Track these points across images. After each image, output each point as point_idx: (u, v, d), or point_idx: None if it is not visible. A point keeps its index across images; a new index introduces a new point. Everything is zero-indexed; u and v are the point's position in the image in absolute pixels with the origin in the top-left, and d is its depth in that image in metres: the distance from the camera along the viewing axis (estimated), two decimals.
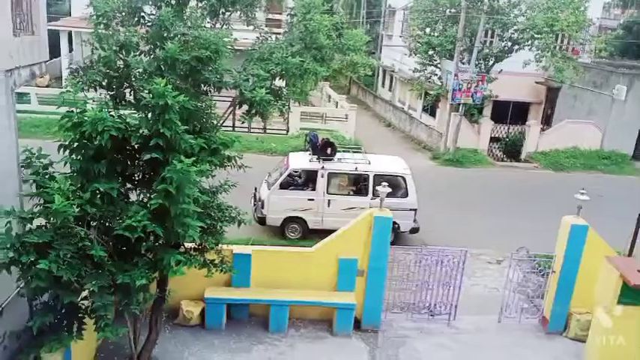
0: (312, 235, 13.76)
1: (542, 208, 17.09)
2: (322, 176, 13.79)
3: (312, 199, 13.89)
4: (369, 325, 10.28)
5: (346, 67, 26.47)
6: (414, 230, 14.18)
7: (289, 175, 13.95)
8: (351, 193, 14.12)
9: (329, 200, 13.87)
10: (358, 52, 22.72)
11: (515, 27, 23.59)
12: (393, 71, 34.48)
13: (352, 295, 10.09)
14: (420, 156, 24.23)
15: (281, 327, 9.98)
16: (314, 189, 13.90)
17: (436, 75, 25.57)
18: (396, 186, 13.84)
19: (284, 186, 13.84)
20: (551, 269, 10.70)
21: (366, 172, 13.86)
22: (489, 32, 25.42)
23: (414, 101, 30.80)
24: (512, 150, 24.74)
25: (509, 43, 24.23)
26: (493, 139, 25.06)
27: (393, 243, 13.73)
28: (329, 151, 13.91)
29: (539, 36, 22.72)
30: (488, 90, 24.48)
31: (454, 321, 10.74)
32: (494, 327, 10.76)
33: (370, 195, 13.71)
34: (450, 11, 24.48)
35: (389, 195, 13.88)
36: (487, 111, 27.13)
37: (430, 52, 25.03)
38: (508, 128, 25.60)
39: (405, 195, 13.87)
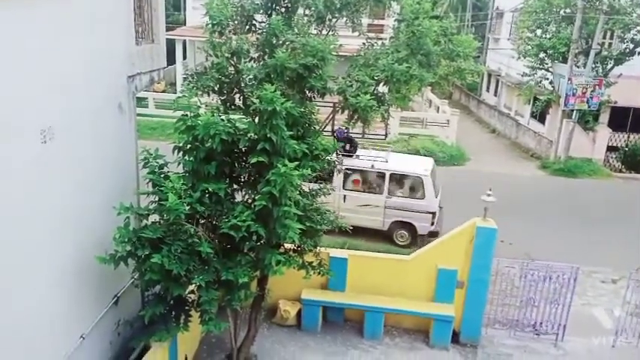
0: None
1: None
2: (339, 172, 13.73)
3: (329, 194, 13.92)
4: (468, 339, 9.91)
5: (452, 73, 25.81)
6: (433, 234, 13.67)
7: None
8: (367, 190, 14.14)
9: (345, 196, 13.92)
10: (467, 58, 22.05)
11: (638, 27, 21.74)
12: (499, 75, 33.15)
13: (451, 307, 9.78)
14: (528, 165, 23.06)
15: (376, 334, 9.91)
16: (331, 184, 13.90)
17: (547, 79, 24.18)
18: (413, 187, 13.87)
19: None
20: None
21: (382, 171, 13.88)
22: (608, 33, 23.63)
23: (521, 107, 29.35)
24: (632, 160, 22.83)
25: (631, 45, 22.35)
26: (610, 148, 23.31)
27: (410, 245, 13.74)
28: (347, 147, 13.88)
29: None
30: (606, 95, 22.75)
31: (562, 342, 10.07)
32: (608, 351, 9.96)
33: (386, 193, 13.80)
34: (564, 12, 23.07)
35: (406, 195, 13.75)
36: (604, 118, 25.12)
37: (541, 55, 23.74)
38: (628, 136, 23.69)
39: (422, 197, 13.63)
